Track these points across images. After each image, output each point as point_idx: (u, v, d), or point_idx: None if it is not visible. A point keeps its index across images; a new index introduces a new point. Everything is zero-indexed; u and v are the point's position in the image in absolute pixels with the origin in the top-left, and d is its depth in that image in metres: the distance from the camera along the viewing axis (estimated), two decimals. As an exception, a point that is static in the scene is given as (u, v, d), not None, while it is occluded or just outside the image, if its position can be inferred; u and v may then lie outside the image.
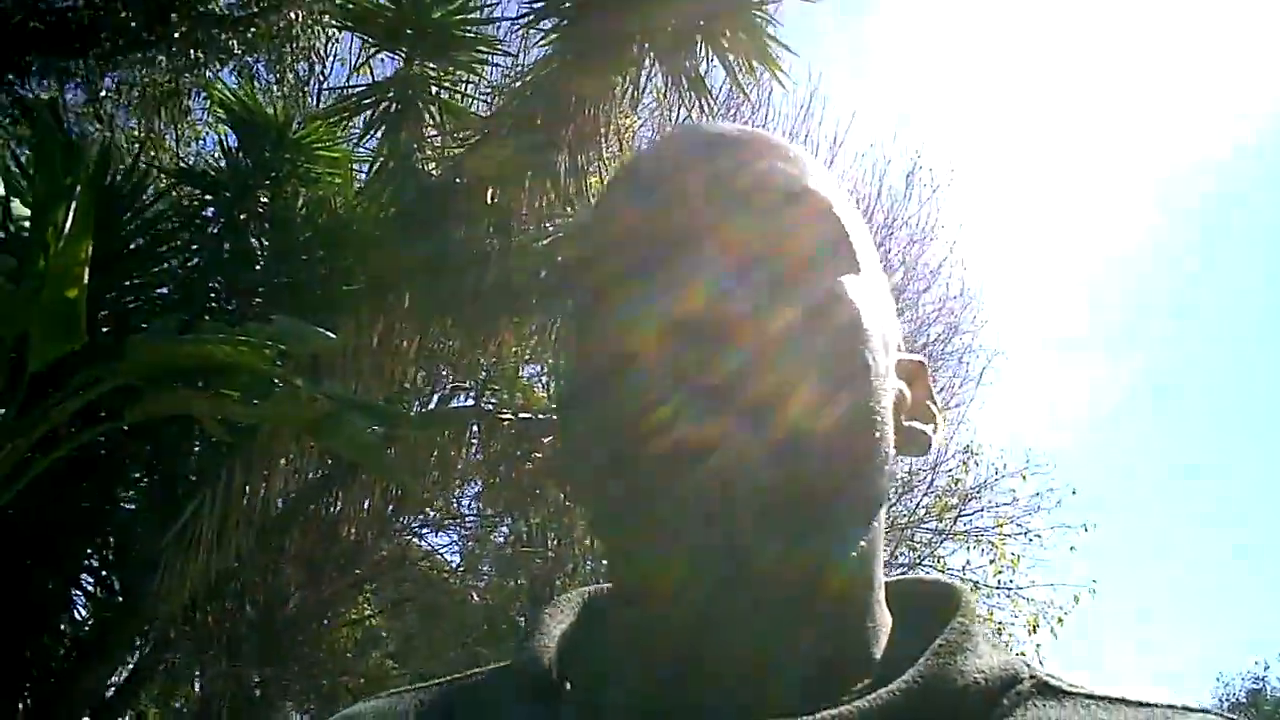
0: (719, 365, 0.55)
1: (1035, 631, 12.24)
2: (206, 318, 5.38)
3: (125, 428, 4.70)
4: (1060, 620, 12.30)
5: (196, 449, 5.77)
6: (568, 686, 0.64)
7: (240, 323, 4.85)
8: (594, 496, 0.62)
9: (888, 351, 0.63)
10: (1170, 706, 0.59)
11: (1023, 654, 0.62)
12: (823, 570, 0.58)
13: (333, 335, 3.90)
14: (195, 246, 5.87)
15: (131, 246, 5.46)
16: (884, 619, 0.64)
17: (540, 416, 7.02)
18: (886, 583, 0.67)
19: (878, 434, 0.60)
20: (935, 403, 0.70)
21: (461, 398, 9.00)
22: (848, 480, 0.58)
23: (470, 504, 11.09)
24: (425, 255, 5.04)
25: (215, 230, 5.89)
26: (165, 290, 5.74)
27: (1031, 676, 0.60)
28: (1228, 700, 40.44)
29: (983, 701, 0.57)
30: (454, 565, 13.27)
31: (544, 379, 8.19)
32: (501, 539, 12.64)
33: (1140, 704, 0.59)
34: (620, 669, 0.62)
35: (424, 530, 11.73)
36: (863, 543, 0.61)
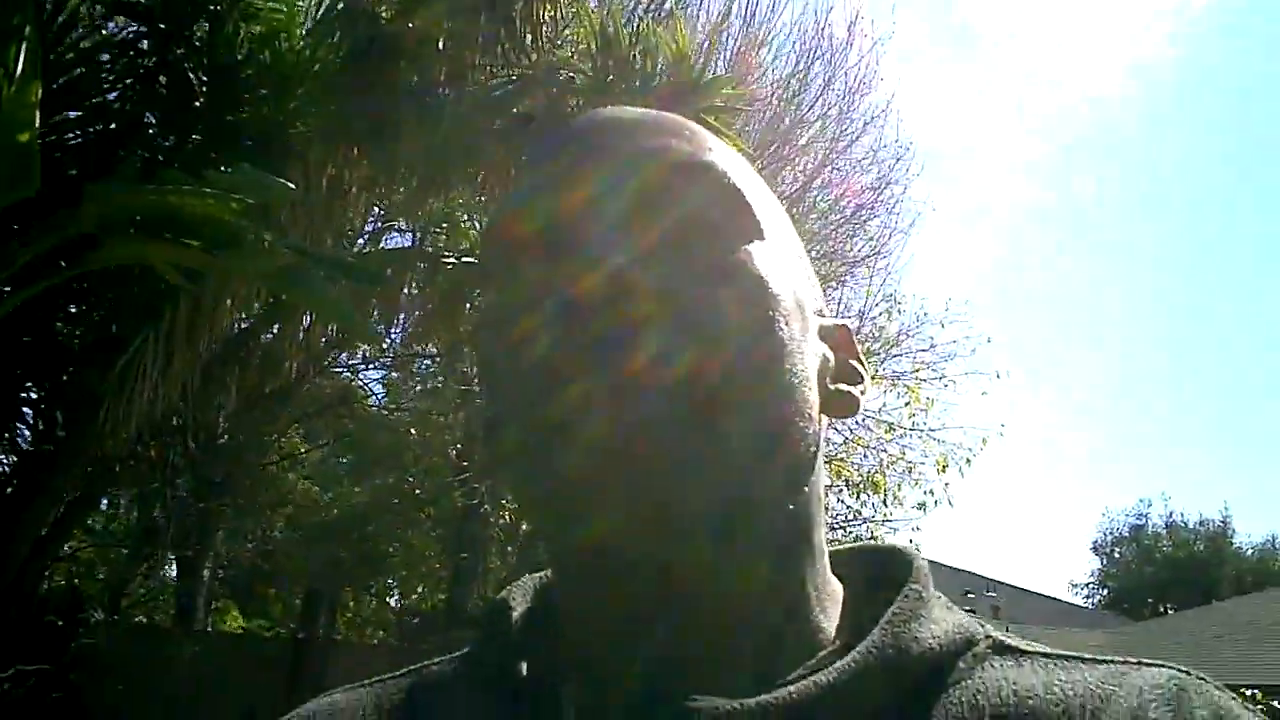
0: (626, 345, 0.54)
1: (944, 470, 12.80)
2: (141, 152, 5.26)
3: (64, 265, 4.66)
4: (969, 461, 12.86)
5: (137, 290, 5.71)
6: (524, 673, 0.63)
7: (188, 165, 4.75)
8: (521, 495, 0.62)
9: (804, 316, 0.63)
10: (1125, 662, 0.60)
11: (973, 612, 0.62)
12: (757, 546, 0.58)
13: (291, 185, 3.88)
14: (130, 81, 5.66)
15: (65, 80, 5.27)
16: (831, 586, 0.64)
17: (483, 261, 7.03)
18: (838, 551, 0.68)
19: (798, 398, 0.59)
20: (862, 363, 0.69)
21: (396, 234, 8.95)
22: (772, 451, 0.57)
23: (402, 340, 11.08)
24: (376, 102, 4.95)
25: (150, 65, 5.67)
26: (101, 127, 5.56)
27: (987, 637, 0.60)
28: (1111, 534, 42.81)
29: (941, 665, 0.58)
30: (386, 400, 13.42)
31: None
32: (422, 370, 12.77)
33: (1097, 661, 0.60)
34: (574, 657, 0.62)
35: (362, 367, 11.78)
36: (793, 508, 0.61)
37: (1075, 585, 43.86)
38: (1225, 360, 60.73)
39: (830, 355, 0.66)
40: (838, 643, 0.59)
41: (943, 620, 0.60)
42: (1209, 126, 63.04)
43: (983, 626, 0.61)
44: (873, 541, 0.71)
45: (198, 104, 5.71)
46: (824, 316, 0.68)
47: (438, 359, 11.32)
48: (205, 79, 5.74)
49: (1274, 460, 60.36)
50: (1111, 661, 0.60)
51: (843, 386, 0.66)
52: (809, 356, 0.62)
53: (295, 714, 0.70)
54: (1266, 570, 37.32)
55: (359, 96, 5.03)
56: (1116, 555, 42.97)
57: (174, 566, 13.41)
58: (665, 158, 0.61)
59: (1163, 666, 0.59)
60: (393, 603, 19.66)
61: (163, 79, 5.70)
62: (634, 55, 5.36)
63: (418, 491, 15.15)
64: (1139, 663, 0.59)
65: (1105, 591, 42.65)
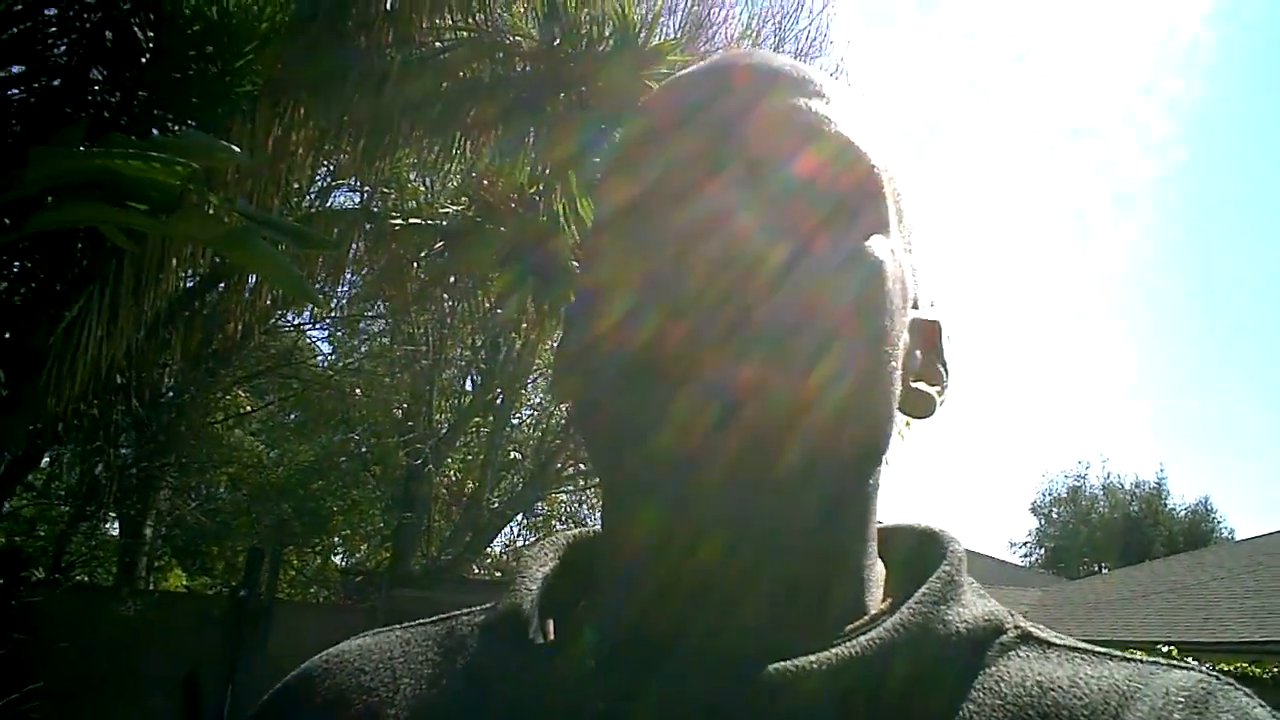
0: (736, 298, 0.54)
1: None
2: (87, 112, 5.22)
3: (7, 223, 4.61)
4: (908, 423, 13.08)
5: (81, 248, 5.67)
6: (550, 632, 0.63)
7: (134, 125, 4.73)
8: (594, 422, 0.61)
9: (906, 309, 0.63)
10: (1155, 663, 0.58)
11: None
12: (817, 518, 0.58)
13: (238, 150, 3.88)
14: (76, 37, 5.60)
15: (9, 35, 5.22)
16: (876, 572, 0.64)
17: (429, 223, 7.07)
18: (879, 529, 0.67)
19: (888, 398, 0.60)
20: (945, 366, 0.69)
21: (341, 192, 8.92)
22: (848, 431, 0.57)
23: (349, 300, 11.08)
24: (323, 63, 4.94)
25: (96, 19, 5.61)
26: (46, 82, 5.51)
27: (1016, 627, 0.60)
28: (1050, 495, 43.59)
29: (967, 651, 0.57)
30: (335, 361, 13.38)
31: (439, 189, 8.18)
32: (369, 330, 12.76)
33: (1125, 659, 0.58)
34: (602, 616, 0.62)
35: (309, 326, 11.74)
36: (858, 495, 0.62)
37: (1014, 544, 44.76)
38: (1165, 323, 61.98)
39: (919, 352, 0.67)
40: (870, 621, 0.59)
41: (973, 605, 0.60)
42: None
43: (1012, 616, 0.61)
44: (912, 523, 0.69)
45: (144, 60, 5.65)
46: (918, 309, 0.67)
47: (385, 319, 11.33)
48: (152, 35, 5.68)
49: (1209, 424, 61.85)
50: (1140, 660, 0.58)
51: (922, 387, 0.67)
52: (900, 354, 0.62)
53: (326, 654, 0.70)
54: (1197, 532, 38.21)
55: (305, 56, 5.01)
56: (1054, 516, 43.81)
57: (116, 525, 13.33)
58: (812, 124, 0.60)
59: (1191, 670, 0.57)
60: (337, 561, 19.65)
61: (109, 34, 5.63)
62: (581, 19, 5.39)
63: (363, 450, 15.16)
64: (1169, 664, 0.58)
65: (1042, 551, 43.53)
